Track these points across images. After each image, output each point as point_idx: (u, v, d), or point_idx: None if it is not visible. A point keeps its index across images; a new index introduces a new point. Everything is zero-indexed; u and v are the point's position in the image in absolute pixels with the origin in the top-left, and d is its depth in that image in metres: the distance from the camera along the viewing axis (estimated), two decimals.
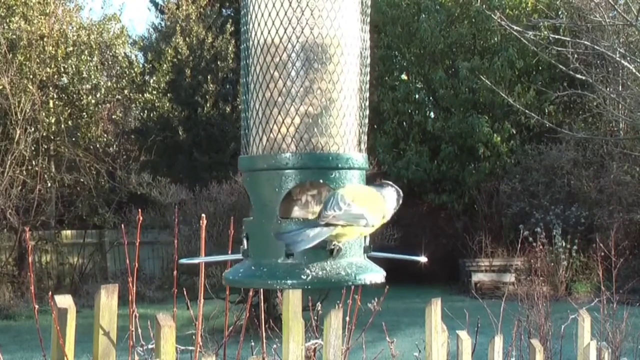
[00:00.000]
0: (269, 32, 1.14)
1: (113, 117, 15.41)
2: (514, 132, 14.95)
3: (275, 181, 1.13)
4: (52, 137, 13.73)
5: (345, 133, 1.16)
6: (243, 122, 1.21)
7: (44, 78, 13.45)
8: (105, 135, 14.81)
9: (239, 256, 1.19)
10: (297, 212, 1.16)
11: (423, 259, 1.26)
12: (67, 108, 13.91)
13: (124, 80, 15.04)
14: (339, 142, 1.15)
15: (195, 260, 1.41)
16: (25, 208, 13.07)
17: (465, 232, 14.49)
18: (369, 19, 1.20)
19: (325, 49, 1.14)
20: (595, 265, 11.89)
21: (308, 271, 1.10)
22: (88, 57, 14.07)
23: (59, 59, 13.67)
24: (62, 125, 13.63)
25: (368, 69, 1.20)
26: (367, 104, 1.21)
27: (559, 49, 11.96)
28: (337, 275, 1.11)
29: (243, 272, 1.16)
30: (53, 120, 13.49)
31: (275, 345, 2.49)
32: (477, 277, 13.51)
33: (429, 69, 15.72)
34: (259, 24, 1.15)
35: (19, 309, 11.73)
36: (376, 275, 1.15)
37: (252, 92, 1.17)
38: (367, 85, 1.20)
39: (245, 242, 1.16)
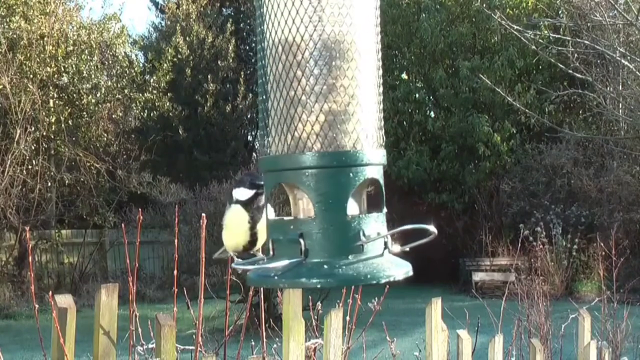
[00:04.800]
0: (289, 31, 1.13)
1: (113, 116, 15.41)
2: (514, 131, 14.93)
3: (343, 177, 1.12)
4: (53, 137, 13.72)
5: (367, 129, 1.15)
6: (261, 122, 1.20)
7: (44, 77, 13.44)
8: (106, 134, 14.81)
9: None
10: None
11: (432, 227, 1.25)
12: (67, 107, 13.90)
13: (124, 80, 15.03)
14: (362, 138, 1.14)
15: (246, 266, 1.32)
16: (26, 207, 13.06)
17: (465, 231, 14.48)
18: (379, 12, 1.20)
19: (346, 46, 1.14)
20: (596, 265, 11.90)
21: (339, 270, 1.10)
22: (88, 57, 14.07)
23: (59, 58, 13.66)
24: (62, 125, 13.62)
25: (381, 63, 1.20)
26: (382, 99, 1.20)
27: (559, 48, 11.95)
28: (368, 271, 1.11)
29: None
30: (53, 120, 13.48)
31: (275, 345, 2.49)
32: (477, 277, 13.49)
33: (429, 69, 15.71)
34: (278, 23, 1.14)
35: (19, 309, 11.73)
36: (404, 268, 1.15)
37: (272, 92, 1.16)
38: (382, 80, 1.20)
39: (302, 242, 1.15)
